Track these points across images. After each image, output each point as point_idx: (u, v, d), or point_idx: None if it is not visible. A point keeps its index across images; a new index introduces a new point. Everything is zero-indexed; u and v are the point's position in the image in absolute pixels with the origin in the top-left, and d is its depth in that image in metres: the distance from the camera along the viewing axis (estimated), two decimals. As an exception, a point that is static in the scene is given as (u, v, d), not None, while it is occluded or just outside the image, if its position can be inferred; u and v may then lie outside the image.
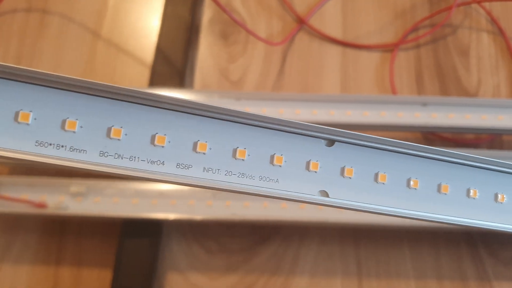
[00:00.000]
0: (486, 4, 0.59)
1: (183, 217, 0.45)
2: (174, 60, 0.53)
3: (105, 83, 0.21)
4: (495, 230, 0.26)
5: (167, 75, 0.52)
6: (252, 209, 0.46)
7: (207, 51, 0.56)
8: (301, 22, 0.58)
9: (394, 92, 0.54)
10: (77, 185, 0.46)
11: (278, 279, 0.47)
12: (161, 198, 0.46)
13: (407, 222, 0.45)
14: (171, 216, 0.45)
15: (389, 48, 0.57)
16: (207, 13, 0.59)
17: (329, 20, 0.59)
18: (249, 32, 0.55)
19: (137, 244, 0.45)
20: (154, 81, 0.52)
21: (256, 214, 0.46)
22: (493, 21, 0.58)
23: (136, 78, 0.55)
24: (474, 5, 0.59)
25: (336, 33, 0.58)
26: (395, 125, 0.49)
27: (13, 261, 0.47)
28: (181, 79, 0.53)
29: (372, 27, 0.58)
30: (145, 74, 0.55)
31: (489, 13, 0.58)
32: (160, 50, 0.54)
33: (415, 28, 0.58)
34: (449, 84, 0.55)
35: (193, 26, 0.57)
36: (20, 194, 0.46)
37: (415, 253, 0.48)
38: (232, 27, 0.58)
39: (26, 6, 0.59)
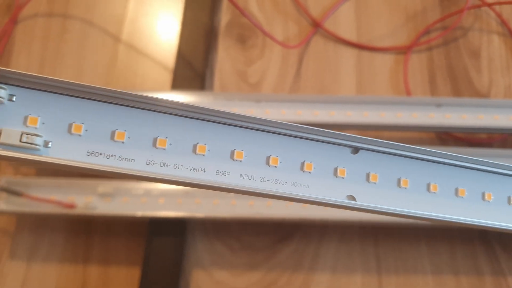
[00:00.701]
0: (496, 7, 0.60)
1: (208, 216, 0.47)
2: (195, 64, 0.55)
3: (151, 97, 0.22)
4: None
5: (188, 79, 0.54)
6: (275, 208, 0.47)
7: (225, 55, 0.58)
8: (316, 26, 0.60)
9: (408, 93, 0.56)
10: (104, 186, 0.47)
11: (299, 275, 0.48)
12: (186, 197, 0.47)
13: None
14: (197, 215, 0.46)
15: (402, 51, 0.58)
16: (225, 17, 0.60)
17: (344, 23, 0.60)
18: (266, 34, 0.56)
19: (164, 242, 0.47)
20: (177, 85, 0.53)
21: (278, 213, 0.47)
22: (503, 23, 0.60)
23: (157, 81, 0.56)
24: (485, 8, 0.60)
25: (350, 35, 0.59)
26: (411, 125, 0.50)
27: (42, 260, 0.49)
28: (202, 82, 0.54)
29: (385, 30, 0.60)
30: (166, 77, 0.56)
31: (499, 16, 0.60)
32: (181, 54, 0.55)
33: (427, 31, 0.60)
34: (461, 85, 0.57)
35: (212, 30, 0.59)
36: (49, 195, 0.47)
37: (432, 250, 0.49)
38: (249, 31, 0.59)
39: (48, 11, 0.60)
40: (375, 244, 0.49)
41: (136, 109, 0.22)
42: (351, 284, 0.48)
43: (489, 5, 0.60)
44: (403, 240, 0.49)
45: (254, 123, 0.23)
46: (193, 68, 0.55)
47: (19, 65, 0.57)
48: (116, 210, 0.47)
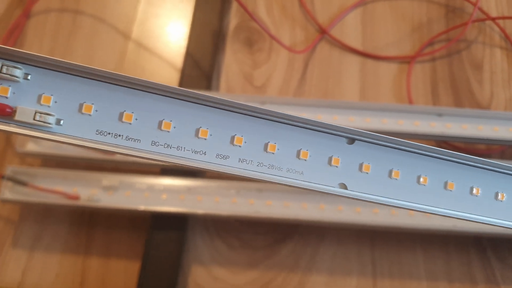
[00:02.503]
0: (500, 21, 0.61)
1: (209, 213, 0.48)
2: (202, 64, 0.56)
3: (158, 83, 0.23)
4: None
5: (196, 78, 0.55)
6: (275, 207, 0.48)
7: (232, 57, 0.59)
8: (322, 32, 0.61)
9: (410, 101, 0.57)
10: (109, 179, 0.48)
11: (296, 275, 0.49)
12: (189, 194, 0.48)
13: (420, 225, 0.47)
14: (198, 211, 0.47)
15: (406, 60, 0.60)
16: (234, 21, 0.61)
17: (350, 31, 0.61)
18: (273, 38, 0.57)
19: (165, 237, 0.48)
20: (184, 84, 0.54)
21: (278, 213, 0.48)
22: (507, 37, 0.61)
23: (164, 80, 0.57)
24: (489, 22, 0.62)
25: (356, 43, 0.60)
26: (412, 133, 0.51)
27: (44, 250, 0.49)
28: (209, 82, 0.56)
29: (390, 39, 0.61)
30: (173, 76, 0.57)
31: (503, 30, 0.61)
32: (189, 54, 0.56)
33: (431, 42, 0.61)
34: (462, 97, 0.58)
35: (220, 32, 0.60)
36: (53, 186, 0.48)
37: (428, 256, 0.50)
38: (257, 35, 0.60)
39: (59, 7, 0.62)
40: (372, 248, 0.50)
41: (143, 92, 0.23)
42: (346, 286, 0.49)
43: (493, 19, 0.61)
44: (399, 245, 0.50)
45: (254, 111, 0.25)
46: (200, 68, 0.56)
47: (30, 58, 0.58)
48: (119, 203, 0.47)
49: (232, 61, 0.59)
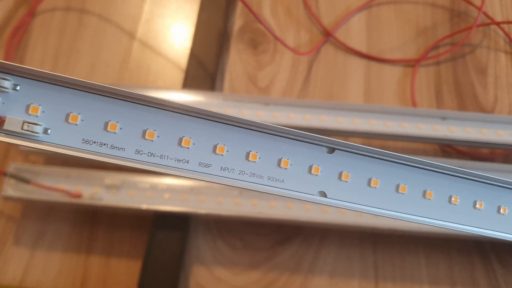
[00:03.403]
0: (505, 26, 0.61)
1: (211, 213, 0.47)
2: (206, 65, 0.56)
3: (142, 94, 0.24)
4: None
5: (200, 79, 0.55)
6: (278, 209, 0.48)
7: (237, 58, 0.59)
8: (327, 35, 0.61)
9: (414, 105, 0.57)
10: (111, 177, 0.48)
11: (298, 277, 0.49)
12: (191, 194, 0.48)
13: (423, 229, 0.47)
14: (201, 211, 0.47)
15: (411, 64, 0.60)
16: (238, 22, 0.61)
17: (354, 34, 0.61)
18: (278, 39, 0.57)
19: (167, 236, 0.48)
20: (188, 84, 0.55)
21: (280, 214, 0.48)
22: (511, 42, 0.61)
23: (168, 80, 0.57)
24: (493, 27, 0.62)
25: (360, 46, 0.60)
26: (416, 136, 0.51)
27: (46, 247, 0.49)
28: (213, 83, 0.56)
29: (395, 42, 0.61)
30: (178, 76, 0.57)
31: (507, 35, 0.61)
32: (194, 54, 0.56)
33: (436, 46, 0.61)
34: (466, 100, 0.58)
35: (224, 33, 0.60)
36: (56, 184, 0.48)
37: (430, 260, 0.50)
38: (261, 36, 0.60)
39: (65, 6, 0.62)
40: (374, 251, 0.50)
41: (128, 102, 0.24)
42: (349, 289, 0.48)
43: (498, 23, 0.61)
44: (402, 248, 0.50)
45: (235, 121, 0.25)
46: (204, 69, 0.56)
47: (35, 57, 0.59)
48: (121, 202, 0.47)
49: (237, 62, 0.59)
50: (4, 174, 0.48)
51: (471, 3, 0.63)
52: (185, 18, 0.61)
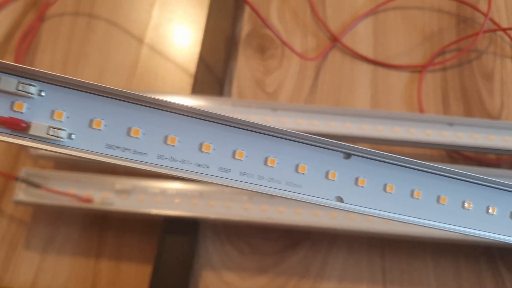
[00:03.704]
0: (511, 32, 0.62)
1: (221, 218, 0.48)
2: (215, 70, 0.56)
3: (164, 100, 0.24)
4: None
5: (208, 84, 0.55)
6: (286, 214, 0.48)
7: (244, 63, 0.60)
8: (334, 40, 0.61)
9: (421, 110, 0.57)
10: (122, 182, 0.49)
11: (306, 282, 0.49)
12: (201, 198, 0.48)
13: (430, 234, 0.48)
14: (210, 216, 0.48)
15: (417, 69, 0.60)
16: (246, 27, 0.62)
17: (361, 40, 0.62)
18: (285, 44, 0.58)
19: (177, 241, 0.48)
20: (197, 89, 0.55)
21: (289, 219, 0.48)
22: (517, 48, 0.61)
23: (177, 85, 0.58)
24: (500, 33, 0.62)
25: (367, 52, 0.61)
26: (423, 142, 0.51)
27: (56, 252, 0.50)
28: (221, 88, 0.56)
29: (402, 48, 0.61)
30: (186, 81, 0.58)
31: (513, 41, 0.61)
32: (202, 60, 0.57)
33: (442, 52, 0.61)
34: (473, 106, 0.58)
35: (232, 39, 0.60)
36: (67, 189, 0.49)
37: (438, 265, 0.50)
38: (269, 42, 0.61)
39: (74, 10, 0.62)
40: (382, 256, 0.50)
41: (151, 108, 0.25)
42: (357, 293, 0.49)
43: (504, 29, 0.61)
44: (409, 253, 0.50)
45: (255, 127, 0.26)
46: (213, 74, 0.56)
47: (44, 61, 0.59)
48: (132, 207, 0.48)
49: (245, 67, 0.59)
50: (16, 178, 0.48)
51: (477, 9, 0.63)
52: (193, 24, 0.62)
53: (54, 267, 0.49)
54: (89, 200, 0.48)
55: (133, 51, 0.60)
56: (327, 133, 0.51)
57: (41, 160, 0.53)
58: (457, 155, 0.56)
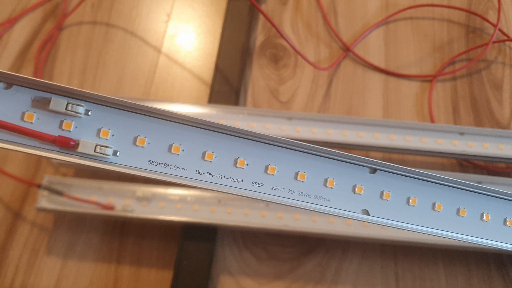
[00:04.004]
0: (520, 43, 0.63)
1: (239, 225, 0.49)
2: (231, 80, 0.58)
3: (203, 120, 0.26)
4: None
5: (225, 93, 0.57)
6: (302, 221, 0.50)
7: (259, 73, 0.61)
8: (346, 50, 0.62)
9: (432, 120, 0.58)
10: (142, 190, 0.50)
11: (322, 287, 0.50)
12: (219, 206, 0.50)
13: (442, 242, 0.49)
14: (228, 223, 0.49)
15: (428, 79, 0.61)
16: (260, 37, 0.63)
17: (373, 50, 0.63)
18: (298, 53, 0.59)
19: (196, 247, 0.49)
20: (213, 98, 0.56)
21: (305, 227, 0.49)
22: (526, 59, 0.62)
23: (193, 94, 0.59)
24: (509, 43, 0.63)
25: (379, 61, 0.62)
26: (435, 151, 0.53)
27: (78, 257, 0.51)
28: (237, 97, 0.57)
29: (413, 58, 0.63)
30: (202, 90, 0.59)
31: (522, 51, 0.63)
32: (218, 69, 0.58)
33: (452, 62, 0.62)
34: (482, 115, 0.59)
35: (247, 49, 0.62)
36: (88, 196, 0.50)
37: (449, 272, 0.51)
38: (282, 51, 0.62)
39: (92, 20, 0.64)
40: (395, 262, 0.51)
41: (190, 127, 0.26)
42: (371, 299, 0.50)
43: (513, 40, 0.63)
44: (422, 260, 0.52)
45: (286, 144, 0.27)
46: (229, 83, 0.58)
47: (63, 70, 0.60)
48: (152, 213, 0.49)
49: (259, 76, 0.61)
50: (39, 186, 0.50)
51: (486, 20, 0.64)
52: (208, 34, 0.63)
53: (75, 273, 0.50)
54: (111, 207, 0.49)
55: (150, 61, 0.61)
56: (342, 142, 0.52)
57: (62, 167, 0.54)
58: (468, 163, 0.57)
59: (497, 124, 0.59)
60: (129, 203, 0.50)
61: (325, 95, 0.60)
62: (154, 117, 0.26)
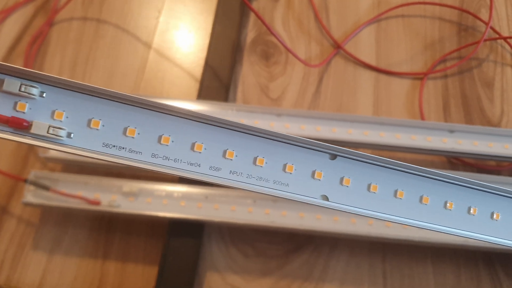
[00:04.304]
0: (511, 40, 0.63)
1: (225, 221, 0.49)
2: (221, 76, 0.58)
3: (159, 102, 0.26)
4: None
5: (214, 89, 0.56)
6: (289, 218, 0.49)
7: (249, 69, 0.61)
8: (337, 47, 0.62)
9: (422, 117, 0.58)
10: (129, 185, 0.50)
11: (309, 285, 0.50)
12: (206, 202, 0.49)
13: (431, 239, 0.49)
14: (215, 219, 0.48)
15: (419, 77, 0.61)
16: (251, 34, 0.63)
17: (364, 47, 0.63)
18: (289, 50, 0.59)
19: (182, 243, 0.49)
20: (203, 94, 0.56)
21: (292, 223, 0.49)
22: (517, 57, 0.62)
23: (183, 90, 0.59)
24: (500, 41, 0.63)
25: (370, 59, 0.62)
26: (425, 148, 0.52)
27: (63, 253, 0.51)
28: (226, 93, 0.57)
29: (403, 56, 0.62)
30: (192, 86, 0.59)
31: (514, 50, 0.62)
32: (208, 65, 0.58)
33: (443, 59, 0.62)
34: (473, 113, 0.59)
35: (238, 45, 0.61)
36: (75, 191, 0.50)
37: (438, 270, 0.51)
38: (273, 48, 0.62)
39: (82, 16, 0.63)
40: (383, 260, 0.51)
41: (146, 110, 0.26)
42: (358, 297, 0.50)
43: (505, 38, 0.62)
44: (411, 258, 0.51)
45: (244, 128, 0.27)
46: (219, 79, 0.57)
47: (53, 66, 0.60)
48: (139, 209, 0.49)
49: (249, 73, 0.60)
50: (25, 180, 0.50)
51: (478, 18, 0.64)
52: (199, 30, 0.63)
53: (61, 268, 0.50)
54: (97, 203, 0.49)
55: (140, 56, 0.61)
56: (331, 139, 0.52)
57: (49, 163, 0.54)
58: (458, 161, 0.57)
59: (488, 123, 0.59)
60: (115, 198, 0.49)
61: (315, 92, 0.60)
62: (108, 99, 0.25)
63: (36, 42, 0.61)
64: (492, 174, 0.56)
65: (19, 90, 0.24)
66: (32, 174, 0.50)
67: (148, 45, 0.62)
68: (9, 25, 0.63)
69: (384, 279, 0.50)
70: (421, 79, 0.61)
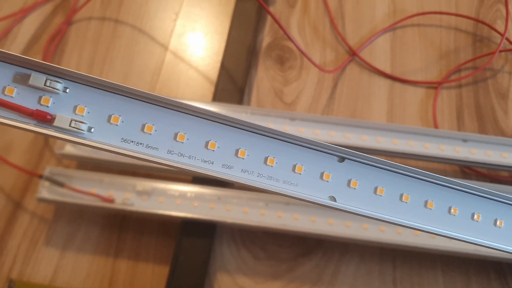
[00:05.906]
0: (527, 53, 0.63)
1: (237, 223, 0.49)
2: (236, 79, 0.58)
3: (176, 101, 0.27)
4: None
5: (229, 92, 0.57)
6: (301, 221, 0.50)
7: (264, 74, 0.61)
8: (352, 54, 0.63)
9: (436, 126, 0.58)
10: (143, 184, 0.50)
11: (318, 289, 0.50)
12: (219, 203, 0.50)
13: (441, 247, 0.48)
14: (227, 220, 0.49)
15: (433, 85, 0.61)
16: (267, 39, 0.63)
17: (379, 55, 0.63)
18: (304, 55, 0.59)
19: (194, 243, 0.49)
20: (218, 96, 0.56)
21: (304, 227, 0.49)
22: (532, 69, 0.62)
23: (198, 92, 0.59)
24: (515, 53, 0.63)
25: (384, 66, 0.62)
26: (438, 157, 0.52)
27: (76, 249, 0.51)
28: (241, 97, 0.57)
29: (418, 64, 0.63)
30: (207, 88, 0.59)
31: (529, 61, 0.62)
32: (224, 68, 0.58)
33: (458, 69, 0.62)
34: (487, 124, 0.59)
35: (253, 49, 0.62)
36: (89, 189, 0.50)
37: (448, 278, 0.51)
38: (288, 53, 0.62)
39: (101, 16, 0.64)
40: (393, 267, 0.51)
41: (163, 108, 0.27)
42: (368, 303, 0.50)
43: (520, 50, 0.63)
44: (421, 266, 0.51)
45: (257, 129, 0.28)
46: (234, 83, 0.58)
47: (70, 64, 0.61)
48: (151, 208, 0.49)
49: (264, 77, 0.61)
50: (40, 176, 0.50)
51: (494, 29, 0.64)
52: (215, 33, 0.64)
53: (73, 264, 0.50)
54: (111, 200, 0.49)
55: (156, 58, 0.62)
56: (344, 144, 0.52)
57: (64, 159, 0.55)
58: (471, 171, 0.56)
59: (502, 134, 0.58)
60: (129, 196, 0.50)
61: (329, 97, 0.60)
62: (128, 96, 0.26)
63: (54, 40, 0.62)
64: (505, 185, 0.56)
65: (44, 85, 0.25)
66: (47, 170, 0.51)
67: (164, 47, 0.62)
68: (28, 24, 0.64)
69: (394, 286, 0.50)
70: (436, 88, 0.61)
